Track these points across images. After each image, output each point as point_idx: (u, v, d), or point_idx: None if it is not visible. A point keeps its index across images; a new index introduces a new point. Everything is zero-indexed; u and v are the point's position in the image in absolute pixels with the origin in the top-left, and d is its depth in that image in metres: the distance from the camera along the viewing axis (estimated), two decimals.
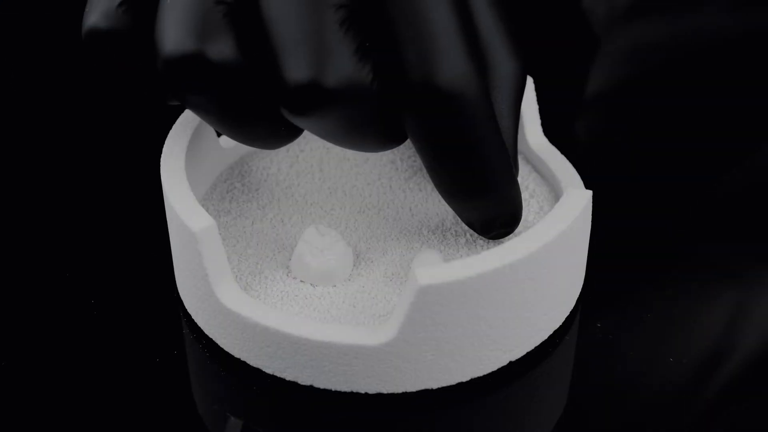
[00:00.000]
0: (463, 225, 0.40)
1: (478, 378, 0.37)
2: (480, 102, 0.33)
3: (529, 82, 0.42)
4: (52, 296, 0.40)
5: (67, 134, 0.49)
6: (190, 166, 0.40)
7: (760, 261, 0.42)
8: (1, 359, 0.38)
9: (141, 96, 0.36)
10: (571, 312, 0.39)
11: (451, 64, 0.32)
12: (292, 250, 0.39)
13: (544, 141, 0.42)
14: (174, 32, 0.33)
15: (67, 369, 0.38)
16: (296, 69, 0.32)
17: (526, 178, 0.42)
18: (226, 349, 0.37)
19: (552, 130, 0.43)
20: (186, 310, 0.39)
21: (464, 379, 0.36)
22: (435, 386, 0.36)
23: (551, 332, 0.38)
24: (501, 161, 0.35)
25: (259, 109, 0.34)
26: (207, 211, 0.41)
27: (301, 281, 0.38)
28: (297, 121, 0.33)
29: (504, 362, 0.37)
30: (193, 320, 0.39)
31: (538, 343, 0.38)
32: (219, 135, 0.43)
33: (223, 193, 0.42)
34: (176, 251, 0.38)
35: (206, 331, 0.38)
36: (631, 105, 0.50)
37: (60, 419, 0.36)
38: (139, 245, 0.42)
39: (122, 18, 0.34)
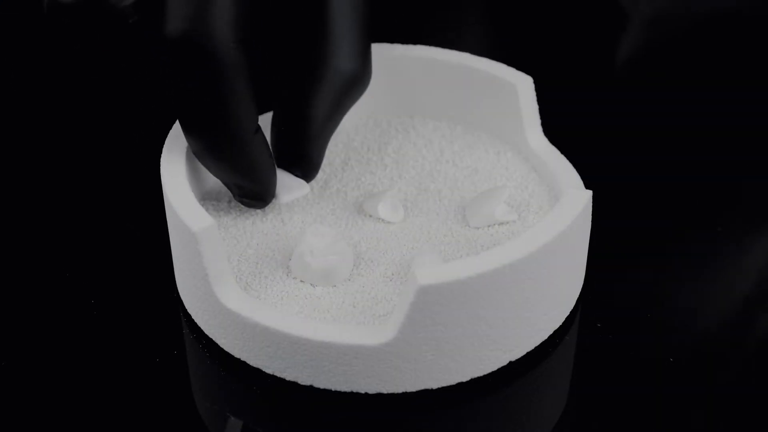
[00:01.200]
0: (463, 226, 0.40)
1: (478, 378, 0.37)
2: (235, 74, 0.35)
3: (529, 82, 0.42)
4: (52, 296, 0.40)
5: (67, 134, 0.49)
6: (190, 166, 0.40)
7: (761, 256, 0.42)
8: (1, 359, 0.38)
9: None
10: (571, 312, 0.39)
11: (176, 15, 0.35)
12: (292, 250, 0.39)
13: (544, 141, 0.42)
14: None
15: (67, 369, 0.38)
16: None
17: (525, 178, 0.42)
18: (226, 349, 0.37)
19: (552, 130, 0.43)
20: (186, 310, 0.39)
21: (464, 379, 0.36)
22: (435, 386, 0.36)
23: (551, 332, 0.38)
24: (246, 136, 0.36)
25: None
26: (207, 211, 0.41)
27: (301, 281, 0.38)
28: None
29: (504, 362, 0.37)
30: (193, 320, 0.39)
31: (538, 343, 0.38)
32: None
33: (223, 193, 0.42)
34: (176, 251, 0.38)
35: (206, 331, 0.38)
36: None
37: (60, 419, 0.36)
38: (139, 245, 0.42)
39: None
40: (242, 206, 0.41)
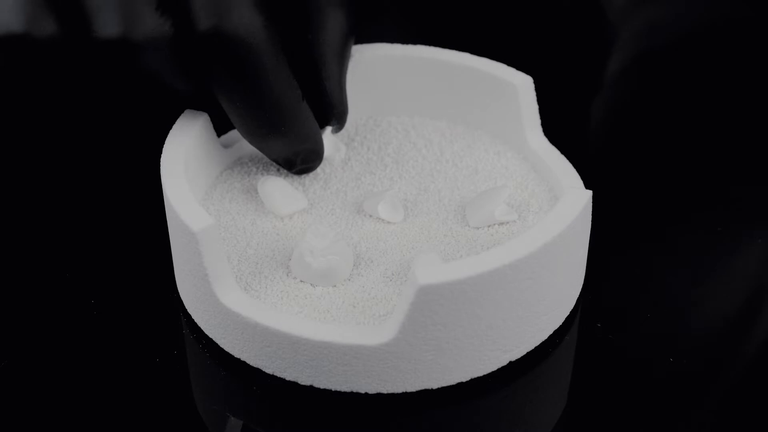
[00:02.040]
0: (463, 226, 0.40)
1: (478, 378, 0.37)
2: (266, 48, 0.37)
3: (529, 82, 0.42)
4: (52, 296, 0.40)
5: (67, 134, 0.49)
6: (190, 166, 0.40)
7: (759, 257, 0.42)
8: (1, 359, 0.38)
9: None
10: (571, 312, 0.39)
11: (238, 14, 0.36)
12: (292, 250, 0.39)
13: (544, 141, 0.42)
14: (4, 16, 0.36)
15: (68, 369, 0.38)
16: (105, 27, 0.36)
17: (526, 178, 0.42)
18: (226, 349, 0.37)
19: (552, 130, 0.43)
20: (186, 310, 0.39)
21: (464, 379, 0.36)
22: (435, 386, 0.36)
23: (551, 332, 0.38)
24: (290, 102, 0.38)
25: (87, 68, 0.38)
26: (207, 211, 0.41)
27: (301, 281, 0.38)
28: (112, 74, 0.38)
29: (504, 362, 0.37)
30: (193, 320, 0.39)
31: (538, 343, 0.38)
32: (219, 135, 0.43)
33: (223, 193, 0.42)
34: (176, 251, 0.38)
35: (206, 331, 0.38)
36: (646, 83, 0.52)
37: (60, 419, 0.36)
38: (139, 245, 0.42)
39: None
40: (242, 206, 0.41)
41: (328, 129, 0.43)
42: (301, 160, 0.41)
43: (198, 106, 0.41)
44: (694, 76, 0.53)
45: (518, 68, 0.43)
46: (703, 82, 0.52)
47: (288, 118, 0.39)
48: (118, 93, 0.39)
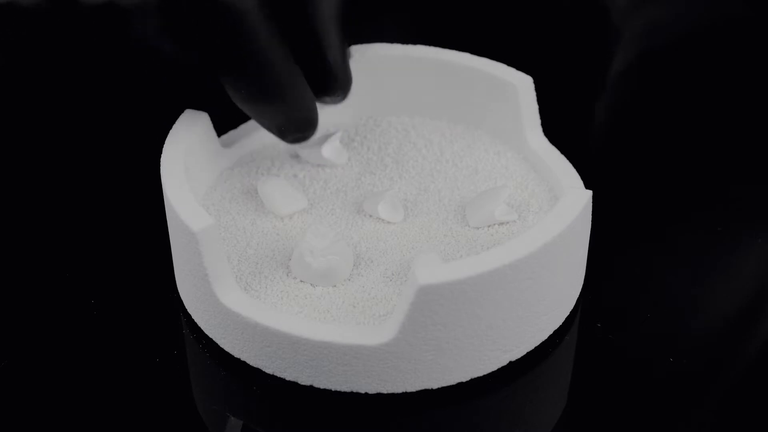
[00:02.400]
0: (463, 226, 0.40)
1: (478, 378, 0.37)
2: (256, 13, 0.37)
3: (529, 82, 0.42)
4: (52, 296, 0.40)
5: (67, 134, 0.49)
6: (190, 166, 0.40)
7: (759, 257, 0.42)
8: (1, 359, 0.38)
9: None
10: (571, 312, 0.39)
11: None
12: (292, 250, 0.39)
13: (544, 141, 0.42)
14: None
15: (68, 369, 0.38)
16: None
17: (526, 178, 0.42)
18: (226, 349, 0.37)
19: (552, 130, 0.43)
20: (186, 310, 0.39)
21: (464, 379, 0.36)
22: (435, 386, 0.36)
23: (551, 332, 0.38)
24: (282, 67, 0.38)
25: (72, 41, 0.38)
26: (207, 211, 0.41)
27: (301, 281, 0.38)
28: (101, 44, 0.37)
29: (504, 362, 0.37)
30: (193, 320, 0.39)
31: (538, 343, 0.38)
32: (219, 135, 0.43)
33: (223, 193, 0.42)
34: (176, 251, 0.38)
35: (206, 331, 0.38)
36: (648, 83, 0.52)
37: (60, 419, 0.36)
38: (139, 245, 0.42)
39: None
40: (242, 206, 0.41)
41: (335, 136, 0.43)
42: (294, 128, 0.40)
43: (198, 105, 0.41)
44: (695, 77, 0.53)
45: (518, 68, 0.43)
46: (704, 83, 0.52)
47: (280, 84, 0.38)
48: (109, 67, 0.38)
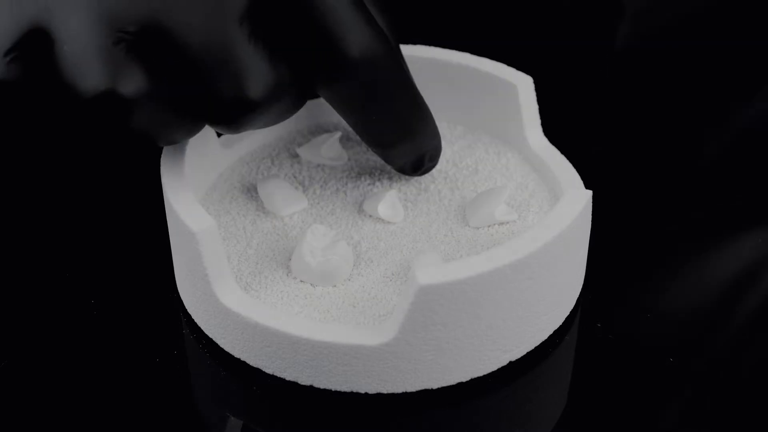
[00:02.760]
0: (463, 226, 0.40)
1: (478, 378, 0.37)
2: (388, 62, 0.36)
3: (529, 82, 0.42)
4: (52, 296, 0.40)
5: (67, 134, 0.49)
6: (190, 166, 0.40)
7: (759, 257, 0.42)
8: (1, 359, 0.38)
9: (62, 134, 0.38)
10: (571, 312, 0.39)
11: (357, 37, 0.35)
12: (292, 250, 0.39)
13: (544, 141, 0.42)
14: (87, 73, 0.34)
15: (68, 369, 0.38)
16: (226, 88, 0.35)
17: (526, 178, 0.42)
18: (226, 349, 0.37)
19: (552, 130, 0.43)
20: (186, 310, 0.39)
21: (464, 379, 0.36)
22: (435, 386, 0.36)
23: (551, 332, 0.38)
24: (418, 104, 0.38)
25: (184, 123, 0.36)
26: (207, 211, 0.41)
27: (301, 281, 0.38)
28: (232, 131, 0.36)
29: (504, 362, 0.37)
30: (193, 320, 0.39)
31: (538, 343, 0.38)
32: (219, 135, 0.43)
33: (223, 193, 0.42)
34: (176, 251, 0.38)
35: (206, 331, 0.38)
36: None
37: (60, 419, 0.36)
38: (139, 245, 0.42)
39: (11, 69, 0.35)
40: (242, 206, 0.41)
41: (335, 136, 0.43)
42: (429, 158, 0.40)
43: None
44: (695, 77, 0.53)
45: (518, 68, 0.43)
46: (704, 83, 0.52)
47: (418, 121, 0.38)
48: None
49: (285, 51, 0.35)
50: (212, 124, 0.36)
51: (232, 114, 0.35)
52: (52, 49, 0.35)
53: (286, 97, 0.36)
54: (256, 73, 0.35)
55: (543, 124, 0.43)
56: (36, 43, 0.35)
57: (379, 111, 0.37)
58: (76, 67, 0.34)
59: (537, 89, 0.42)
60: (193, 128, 0.36)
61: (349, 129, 0.45)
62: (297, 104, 0.37)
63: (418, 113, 0.38)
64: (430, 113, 0.39)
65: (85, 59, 0.34)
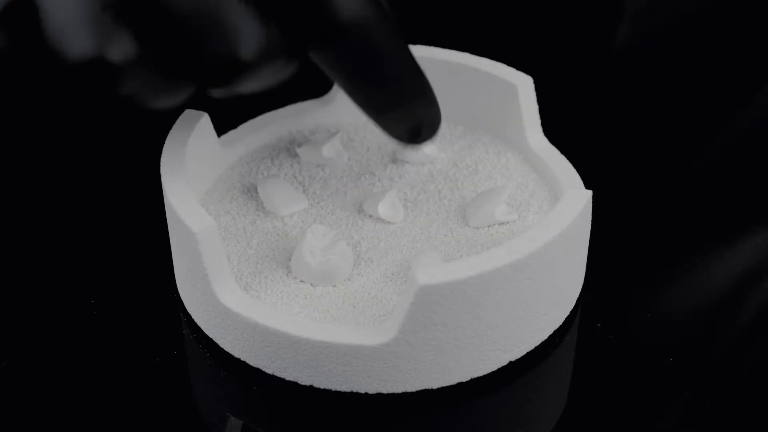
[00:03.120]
0: (463, 226, 0.40)
1: (478, 378, 0.37)
2: (383, 26, 0.35)
3: (529, 82, 0.42)
4: (52, 296, 0.40)
5: (67, 134, 0.49)
6: (190, 166, 0.40)
7: (759, 257, 0.42)
8: (1, 359, 0.38)
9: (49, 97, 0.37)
10: (571, 312, 0.39)
11: (347, 0, 0.34)
12: (292, 250, 0.39)
13: (544, 141, 0.42)
14: (75, 41, 0.34)
15: (68, 369, 0.38)
16: (217, 49, 0.34)
17: (526, 178, 0.42)
18: (226, 349, 0.37)
19: (552, 130, 0.43)
20: (186, 310, 0.39)
21: (464, 379, 0.36)
22: (435, 386, 0.36)
23: (551, 332, 0.38)
24: (413, 70, 0.37)
25: (175, 87, 0.35)
26: (207, 211, 0.41)
27: (301, 281, 0.38)
28: (221, 92, 0.35)
29: (504, 362, 0.37)
30: (193, 320, 0.39)
31: (538, 343, 0.38)
32: (219, 135, 0.43)
33: (223, 193, 0.42)
34: (176, 251, 0.38)
35: (206, 331, 0.38)
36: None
37: (60, 419, 0.36)
38: (139, 245, 0.42)
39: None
40: (242, 206, 0.41)
41: (335, 136, 0.43)
42: (427, 124, 0.39)
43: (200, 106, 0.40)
44: (695, 77, 0.53)
45: (518, 68, 0.43)
46: (704, 83, 0.52)
47: (414, 87, 0.37)
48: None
49: (276, 12, 0.35)
50: (203, 86, 0.35)
51: (224, 75, 0.34)
52: (37, 16, 0.34)
53: (278, 58, 0.35)
54: (247, 33, 0.34)
55: (543, 124, 0.43)
56: (21, 11, 0.35)
57: (372, 76, 0.36)
58: (64, 35, 0.34)
59: (537, 89, 0.42)
60: (184, 92, 0.36)
61: (349, 129, 0.45)
62: (289, 66, 0.36)
63: (413, 79, 0.37)
64: (427, 81, 0.38)
65: (73, 26, 0.33)
